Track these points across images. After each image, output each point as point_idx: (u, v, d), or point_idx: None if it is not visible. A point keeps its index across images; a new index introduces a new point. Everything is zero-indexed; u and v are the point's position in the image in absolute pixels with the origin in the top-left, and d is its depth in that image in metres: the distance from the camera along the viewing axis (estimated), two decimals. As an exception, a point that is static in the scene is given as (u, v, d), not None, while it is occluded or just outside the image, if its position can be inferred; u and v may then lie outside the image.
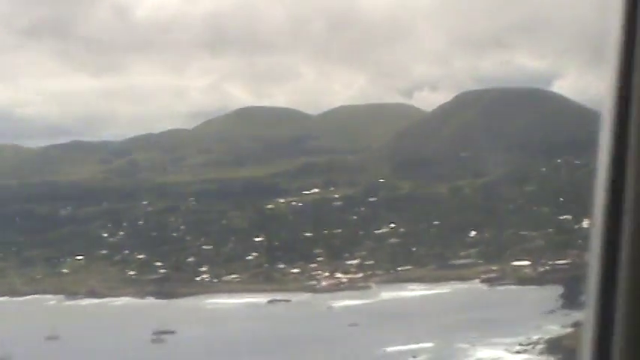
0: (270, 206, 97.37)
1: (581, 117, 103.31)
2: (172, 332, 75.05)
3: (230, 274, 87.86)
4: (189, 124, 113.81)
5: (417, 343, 68.74)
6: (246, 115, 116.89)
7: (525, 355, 67.02)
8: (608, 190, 2.05)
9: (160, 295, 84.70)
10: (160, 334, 74.53)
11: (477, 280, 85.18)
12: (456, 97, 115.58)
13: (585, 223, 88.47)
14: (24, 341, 72.78)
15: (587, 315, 2.22)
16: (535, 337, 69.78)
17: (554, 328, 70.39)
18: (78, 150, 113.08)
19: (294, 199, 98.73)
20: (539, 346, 68.69)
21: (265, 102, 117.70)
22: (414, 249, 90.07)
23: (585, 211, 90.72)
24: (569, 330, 69.84)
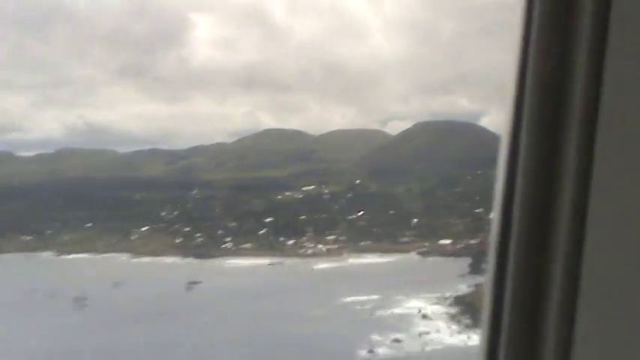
0: (279, 197, 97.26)
1: (497, 142, 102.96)
2: (200, 282, 73.73)
3: (246, 243, 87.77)
4: (230, 140, 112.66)
5: (367, 296, 66.96)
6: (270, 134, 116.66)
7: (439, 306, 65.13)
8: (504, 189, 2.00)
9: (196, 256, 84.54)
10: (192, 284, 73.19)
11: (414, 253, 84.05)
12: (414, 125, 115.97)
13: (491, 215, 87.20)
14: (97, 286, 70.78)
15: (486, 279, 1.99)
16: (448, 294, 67.96)
17: (462, 287, 68.76)
18: (153, 155, 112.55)
19: (297, 192, 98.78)
20: (449, 300, 66.87)
21: (283, 125, 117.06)
22: (374, 229, 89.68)
23: (492, 202, 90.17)
24: (472, 289, 68.64)
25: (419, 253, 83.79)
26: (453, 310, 65.24)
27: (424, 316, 63.41)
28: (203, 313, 63.09)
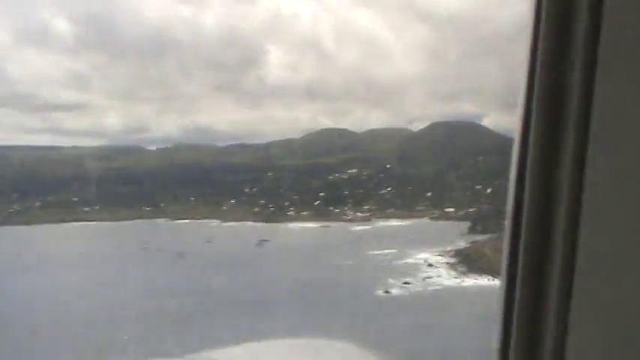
0: (330, 177, 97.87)
1: (493, 136, 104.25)
2: (268, 240, 74.77)
3: (304, 212, 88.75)
4: (297, 136, 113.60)
5: (388, 250, 67.69)
6: (326, 132, 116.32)
7: (441, 257, 65.56)
8: (517, 177, 1.70)
9: (267, 221, 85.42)
10: (261, 241, 74.12)
11: (426, 218, 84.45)
12: (430, 124, 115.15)
13: (488, 190, 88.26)
14: (194, 243, 73.96)
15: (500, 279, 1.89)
16: (449, 248, 68.26)
17: (462, 244, 69.15)
18: (242, 148, 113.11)
19: (343, 174, 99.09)
20: (450, 252, 67.28)
21: (335, 125, 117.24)
22: (397, 201, 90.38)
23: (489, 183, 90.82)
24: (469, 245, 69.66)
25: (430, 218, 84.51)
26: (452, 260, 65.80)
27: (429, 265, 64.05)
28: (268, 262, 64.65)
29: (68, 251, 70.53)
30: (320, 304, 51.21)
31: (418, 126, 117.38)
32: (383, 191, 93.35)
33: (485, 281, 60.18)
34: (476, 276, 61.13)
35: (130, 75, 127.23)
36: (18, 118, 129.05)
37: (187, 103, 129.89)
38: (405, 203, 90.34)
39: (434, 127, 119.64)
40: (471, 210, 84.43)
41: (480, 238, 71.66)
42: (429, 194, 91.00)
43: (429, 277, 59.85)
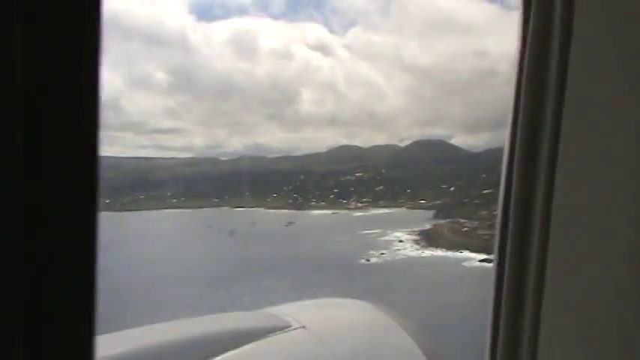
0: (342, 179, 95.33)
1: (457, 150, 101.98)
2: (294, 222, 72.79)
3: (322, 202, 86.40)
4: (322, 150, 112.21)
5: (373, 230, 65.58)
6: (343, 147, 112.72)
7: (410, 235, 63.11)
8: (507, 175, 1.66)
9: (296, 209, 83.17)
10: (290, 223, 72.25)
11: (405, 208, 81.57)
12: (413, 142, 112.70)
13: (452, 188, 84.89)
14: (243, 225, 73.08)
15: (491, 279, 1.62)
16: (417, 229, 65.70)
17: (427, 225, 66.66)
18: (285, 159, 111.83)
19: (351, 177, 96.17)
20: (417, 232, 64.65)
21: (349, 143, 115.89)
22: (387, 195, 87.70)
23: (452, 183, 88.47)
24: (431, 227, 66.66)
25: (407, 208, 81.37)
26: (417, 238, 63.14)
27: (400, 241, 61.46)
28: (293, 238, 62.96)
29: (157, 229, 68.98)
30: (319, 268, 48.98)
31: (405, 143, 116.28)
32: (377, 188, 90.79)
33: (439, 252, 57.63)
34: (433, 249, 58.46)
35: (206, 109, 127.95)
36: (134, 139, 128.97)
37: (248, 128, 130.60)
38: (391, 197, 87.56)
39: (415, 144, 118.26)
40: (437, 202, 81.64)
41: (441, 222, 68.83)
42: (408, 191, 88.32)
43: (398, 250, 57.34)
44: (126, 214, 76.53)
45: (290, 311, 2.37)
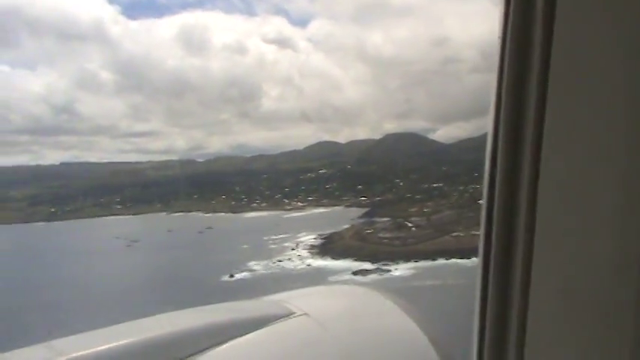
0: (301, 177, 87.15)
1: (428, 143, 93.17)
2: (211, 228, 64.90)
3: (264, 203, 78.15)
4: (301, 147, 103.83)
5: (284, 234, 57.84)
6: (321, 144, 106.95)
7: (315, 240, 55.08)
8: (491, 170, 1.30)
9: (234, 212, 76.93)
10: (205, 230, 63.81)
11: (342, 206, 72.44)
12: (385, 135, 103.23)
13: (402, 183, 75.05)
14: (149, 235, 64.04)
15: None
16: (327, 232, 57.22)
17: (340, 228, 57.83)
18: (260, 157, 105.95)
19: (312, 174, 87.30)
20: (323, 236, 55.98)
21: (328, 139, 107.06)
22: (336, 192, 78.80)
23: (406, 177, 78.30)
24: (340, 230, 57.06)
25: (345, 206, 72.82)
26: (318, 242, 54.82)
27: (292, 249, 53.06)
28: (190, 248, 55.13)
29: (58, 242, 61.75)
30: (176, 286, 40.52)
31: (380, 136, 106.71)
32: (328, 186, 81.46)
33: (321, 262, 48.54)
34: (320, 257, 49.42)
35: (168, 110, 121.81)
36: (112, 144, 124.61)
37: (224, 127, 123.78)
38: (337, 195, 78.55)
39: (388, 137, 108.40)
40: (378, 198, 71.86)
41: (355, 223, 59.30)
42: (359, 187, 78.67)
43: (279, 261, 48.63)
44: (57, 223, 71.03)
45: (292, 299, 2.18)
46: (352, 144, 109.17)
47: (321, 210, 70.84)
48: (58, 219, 69.63)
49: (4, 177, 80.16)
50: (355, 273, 43.13)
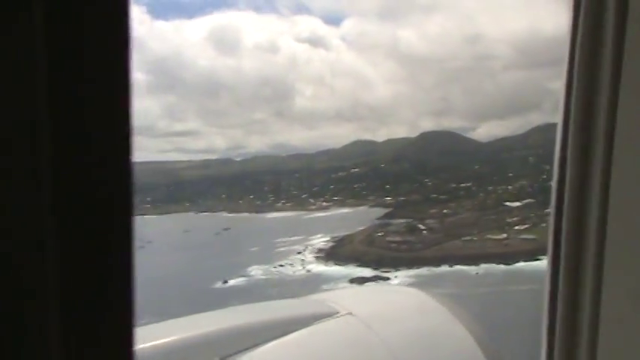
0: (333, 176, 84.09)
1: (466, 142, 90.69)
2: (228, 229, 63.25)
3: (289, 203, 74.78)
4: (338, 146, 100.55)
5: (298, 236, 55.99)
6: (358, 142, 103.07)
7: (326, 243, 52.29)
8: (560, 169, 1.39)
9: (257, 212, 73.57)
10: (223, 230, 62.78)
11: (366, 206, 68.84)
12: (421, 133, 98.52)
13: (429, 182, 71.33)
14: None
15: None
16: (341, 234, 54.63)
17: (355, 229, 54.81)
18: (295, 157, 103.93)
19: (343, 173, 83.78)
20: (336, 238, 53.43)
21: (363, 137, 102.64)
22: (363, 192, 75.12)
23: (436, 176, 74.07)
24: (352, 233, 54.81)
25: (369, 206, 69.52)
26: (327, 246, 52.30)
27: (299, 252, 50.64)
28: (202, 249, 54.11)
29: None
30: (167, 291, 38.96)
31: (416, 134, 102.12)
32: (356, 185, 78.06)
33: (321, 268, 46.06)
34: (321, 263, 46.92)
35: (201, 109, 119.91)
36: (154, 143, 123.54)
37: (261, 126, 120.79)
38: (364, 194, 74.96)
39: (424, 135, 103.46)
40: (402, 198, 68.01)
41: (371, 225, 56.22)
42: (387, 186, 75.03)
43: (282, 266, 46.46)
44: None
45: (337, 298, 2.16)
46: (389, 142, 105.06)
47: (345, 210, 67.82)
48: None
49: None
50: (352, 281, 40.11)
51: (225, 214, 71.88)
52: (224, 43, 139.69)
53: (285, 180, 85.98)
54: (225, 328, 1.76)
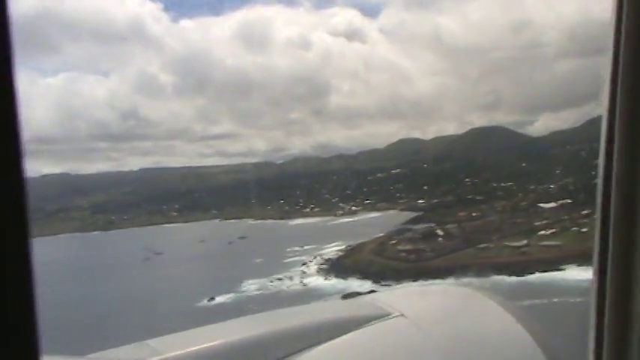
0: (369, 178, 78.40)
1: (516, 137, 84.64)
2: (245, 237, 59.05)
3: (316, 209, 70.52)
4: (382, 146, 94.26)
5: (311, 245, 52.01)
6: (403, 140, 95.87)
7: (337, 252, 47.63)
8: (604, 164, 1.28)
9: (282, 218, 69.94)
10: (238, 239, 58.65)
11: (396, 210, 63.77)
12: (469, 130, 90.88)
13: (469, 182, 64.84)
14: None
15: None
16: (357, 242, 48.91)
17: (373, 236, 49.30)
18: (336, 159, 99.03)
19: (382, 174, 77.88)
20: (349, 247, 48.88)
21: (409, 136, 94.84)
22: (397, 194, 68.96)
23: (478, 175, 66.80)
24: (363, 241, 50.12)
25: (400, 209, 64.60)
26: (337, 255, 47.76)
27: (303, 264, 46.16)
28: (207, 261, 50.70)
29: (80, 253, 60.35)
30: (152, 311, 35.63)
31: (464, 129, 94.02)
32: (391, 187, 71.92)
33: (319, 282, 41.25)
34: (321, 277, 42.11)
35: (233, 110, 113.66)
36: (192, 148, 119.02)
37: (301, 126, 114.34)
38: (397, 197, 68.83)
39: (472, 130, 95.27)
40: (436, 200, 61.51)
41: (391, 231, 50.61)
42: (424, 187, 68.60)
43: (281, 279, 42.02)
44: (111, 232, 69.02)
45: (388, 299, 2.13)
46: (436, 140, 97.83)
47: (374, 214, 62.30)
48: (115, 227, 68.35)
49: (83, 184, 79.66)
50: (345, 297, 34.87)
51: (249, 222, 68.33)
52: (253, 40, 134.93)
53: (320, 183, 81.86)
54: (279, 329, 1.73)
